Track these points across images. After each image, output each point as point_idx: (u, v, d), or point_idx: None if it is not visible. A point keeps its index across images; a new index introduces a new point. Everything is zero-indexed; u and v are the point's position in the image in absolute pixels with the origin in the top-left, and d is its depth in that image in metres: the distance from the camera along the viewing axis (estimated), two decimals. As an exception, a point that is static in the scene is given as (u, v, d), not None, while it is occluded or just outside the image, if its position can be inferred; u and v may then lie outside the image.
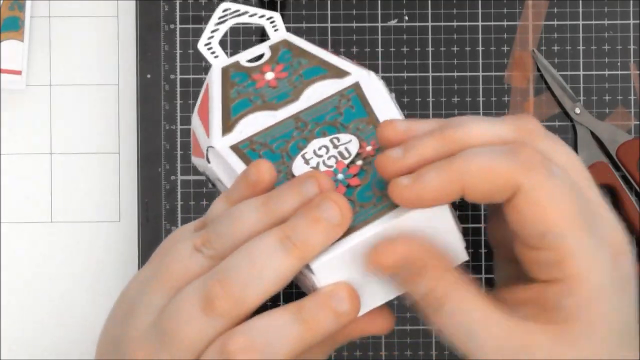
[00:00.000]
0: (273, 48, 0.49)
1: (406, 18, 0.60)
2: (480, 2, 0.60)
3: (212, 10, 0.60)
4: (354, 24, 0.60)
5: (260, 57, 0.49)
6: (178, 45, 0.60)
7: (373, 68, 0.60)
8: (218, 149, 0.46)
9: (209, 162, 0.46)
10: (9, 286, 0.61)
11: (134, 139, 0.61)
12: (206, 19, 0.60)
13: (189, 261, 0.44)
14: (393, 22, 0.60)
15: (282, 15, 0.60)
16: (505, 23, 0.60)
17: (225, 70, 0.49)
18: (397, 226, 0.41)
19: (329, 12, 0.60)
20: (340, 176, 0.44)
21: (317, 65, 0.48)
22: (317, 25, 0.60)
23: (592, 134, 0.59)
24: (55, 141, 0.62)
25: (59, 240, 0.61)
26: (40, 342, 0.62)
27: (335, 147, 0.45)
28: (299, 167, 0.45)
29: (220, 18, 0.50)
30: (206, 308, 0.42)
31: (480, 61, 0.60)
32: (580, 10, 0.60)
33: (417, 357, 0.60)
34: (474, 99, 0.60)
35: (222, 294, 0.42)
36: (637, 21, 0.60)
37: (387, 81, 0.60)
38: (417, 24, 0.60)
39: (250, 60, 0.49)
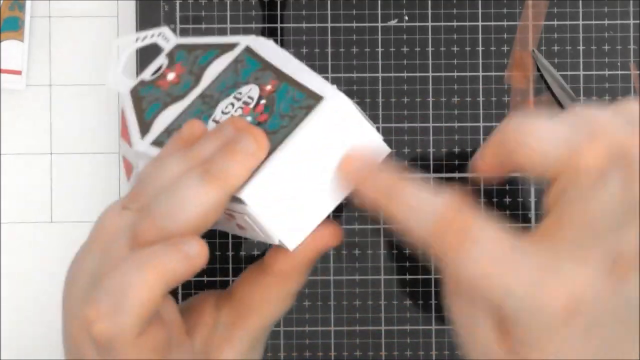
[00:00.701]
0: (169, 55, 0.53)
1: (406, 18, 0.60)
2: (480, 2, 0.60)
3: (212, 10, 0.60)
4: (354, 24, 0.60)
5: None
6: (178, 45, 0.60)
7: (373, 68, 0.60)
8: (141, 150, 0.48)
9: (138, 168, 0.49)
10: (9, 286, 0.61)
11: (134, 139, 0.61)
12: (206, 19, 0.60)
13: (117, 219, 0.45)
14: (393, 22, 0.60)
15: (282, 16, 0.60)
16: (505, 23, 0.60)
17: (134, 91, 0.52)
18: (310, 132, 0.44)
19: (329, 12, 0.60)
20: (249, 119, 0.46)
21: (210, 50, 0.51)
22: (317, 25, 0.60)
23: (592, 134, 0.59)
24: (55, 141, 0.62)
25: (59, 240, 0.61)
26: (40, 342, 0.62)
27: (239, 99, 0.47)
28: (211, 127, 0.48)
29: (117, 53, 0.55)
30: (133, 244, 0.43)
31: (480, 61, 0.60)
32: (580, 10, 0.60)
33: (417, 357, 0.60)
34: (474, 99, 0.60)
35: (146, 227, 0.43)
36: (637, 21, 0.60)
37: (387, 81, 0.60)
38: (417, 24, 0.60)
39: (154, 74, 0.53)
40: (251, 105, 0.47)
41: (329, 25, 0.60)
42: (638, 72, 0.60)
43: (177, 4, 0.60)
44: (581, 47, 0.60)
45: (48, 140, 0.62)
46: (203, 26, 0.60)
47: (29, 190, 0.62)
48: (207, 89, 0.50)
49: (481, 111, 0.60)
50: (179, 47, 0.54)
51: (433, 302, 0.60)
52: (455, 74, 0.60)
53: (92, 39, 0.62)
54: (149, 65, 0.54)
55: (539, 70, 0.60)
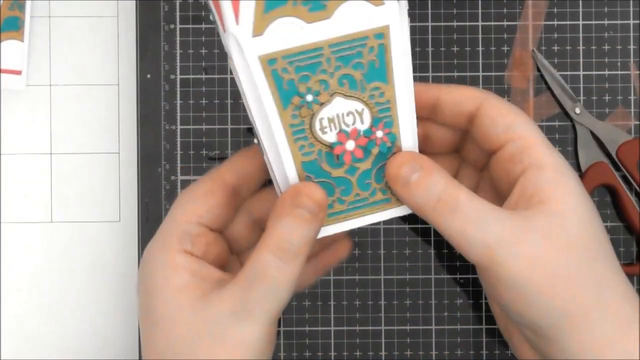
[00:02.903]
0: None
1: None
2: (480, 2, 0.60)
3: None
4: (354, 24, 0.60)
5: None
6: (178, 45, 0.60)
7: (373, 68, 0.60)
8: (246, 53, 0.44)
9: (229, 49, 0.45)
10: (9, 286, 0.61)
11: (134, 139, 0.61)
12: (206, 19, 0.60)
13: None
14: (393, 22, 0.60)
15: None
16: (505, 23, 0.60)
17: None
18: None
19: (329, 12, 0.60)
20: (350, 144, 0.47)
21: None
22: (317, 25, 0.60)
23: (592, 134, 0.59)
24: (55, 141, 0.62)
25: (59, 240, 0.61)
26: (41, 342, 0.62)
27: (354, 114, 0.47)
28: (318, 125, 0.47)
29: None
30: None
31: (480, 61, 0.60)
32: (580, 10, 0.60)
33: (417, 357, 0.60)
34: (474, 99, 0.60)
35: None
36: (637, 21, 0.60)
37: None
38: (417, 24, 0.60)
39: None
40: (360, 128, 0.47)
41: (329, 25, 0.60)
42: (638, 72, 0.60)
43: (177, 4, 0.60)
44: (581, 47, 0.60)
45: (48, 140, 0.62)
46: (203, 26, 0.60)
47: (29, 190, 0.62)
48: (332, 42, 0.45)
49: (481, 111, 0.60)
50: None
51: (433, 302, 0.60)
52: (455, 74, 0.60)
53: (92, 39, 0.62)
54: None
55: (539, 70, 0.60)
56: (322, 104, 0.46)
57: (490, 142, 0.49)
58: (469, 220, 0.46)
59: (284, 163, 0.47)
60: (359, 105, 0.46)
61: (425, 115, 0.51)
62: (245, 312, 0.46)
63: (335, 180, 0.47)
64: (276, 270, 0.46)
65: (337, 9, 0.44)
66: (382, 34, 0.45)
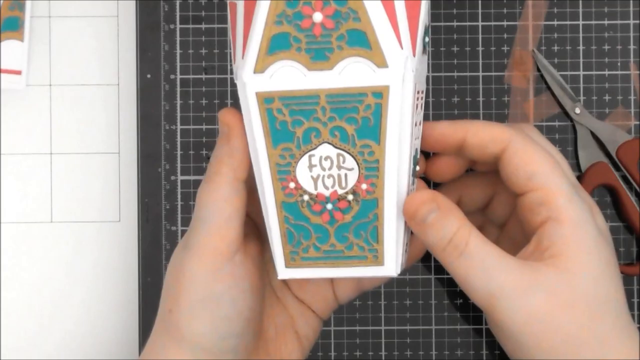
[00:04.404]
0: None
1: (406, 18, 0.60)
2: (480, 2, 0.60)
3: (212, 10, 0.60)
4: (354, 24, 0.60)
5: None
6: (178, 45, 0.60)
7: (373, 68, 0.60)
8: (246, 87, 0.46)
9: (235, 76, 0.47)
10: (9, 286, 0.61)
11: (134, 139, 0.61)
12: (206, 19, 0.60)
13: None
14: (393, 22, 0.60)
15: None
16: (505, 23, 0.60)
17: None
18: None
19: (329, 12, 0.60)
20: (329, 206, 0.47)
21: (364, 31, 0.45)
22: (317, 25, 0.60)
23: (592, 134, 0.59)
24: (55, 141, 0.62)
25: (59, 240, 0.61)
26: (40, 342, 0.62)
27: (339, 167, 0.47)
28: (302, 171, 0.47)
29: None
30: None
31: (480, 61, 0.60)
32: (580, 10, 0.60)
33: (417, 357, 0.60)
34: (474, 99, 0.60)
35: None
36: (637, 21, 0.60)
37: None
38: (417, 24, 0.60)
39: None
40: (340, 192, 0.47)
41: (329, 25, 0.60)
42: (638, 72, 0.60)
43: (177, 4, 0.60)
44: (581, 47, 0.60)
45: (48, 140, 0.62)
46: (203, 26, 0.60)
47: (29, 190, 0.62)
48: (331, 92, 0.46)
49: (481, 111, 0.60)
50: None
51: (433, 302, 0.60)
52: (455, 74, 0.60)
53: (92, 39, 0.62)
54: None
55: (539, 70, 0.60)
56: (309, 150, 0.46)
57: (513, 188, 0.49)
58: (474, 266, 0.46)
59: (265, 197, 0.47)
60: (349, 161, 0.46)
61: (452, 153, 0.52)
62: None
63: (312, 227, 0.48)
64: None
65: (339, 62, 0.45)
66: (380, 94, 0.46)
